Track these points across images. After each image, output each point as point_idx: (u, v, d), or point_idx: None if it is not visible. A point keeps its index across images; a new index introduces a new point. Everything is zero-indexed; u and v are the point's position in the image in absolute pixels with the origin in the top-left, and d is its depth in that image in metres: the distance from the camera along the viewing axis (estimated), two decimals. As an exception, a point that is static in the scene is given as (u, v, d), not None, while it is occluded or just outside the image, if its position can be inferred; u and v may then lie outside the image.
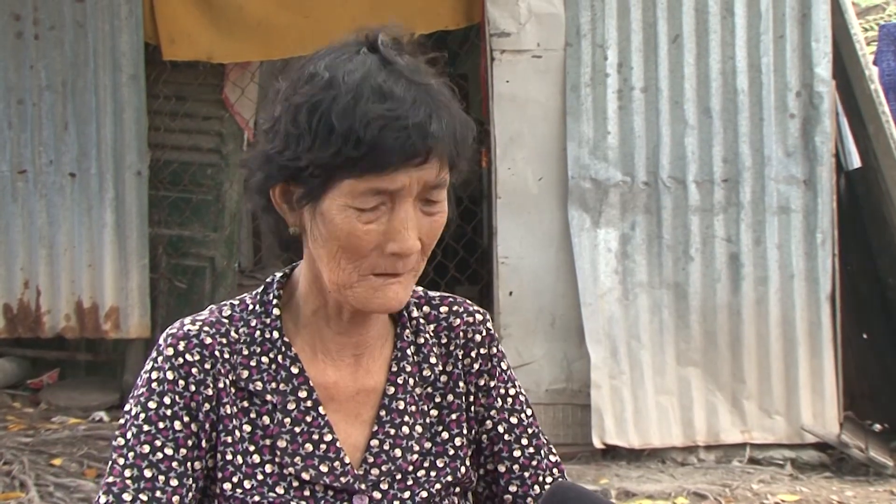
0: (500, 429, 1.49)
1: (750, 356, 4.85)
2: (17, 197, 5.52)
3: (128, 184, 5.49)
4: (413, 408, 1.45)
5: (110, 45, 5.47)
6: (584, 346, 4.87)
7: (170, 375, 1.38)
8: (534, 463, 1.50)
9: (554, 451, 1.55)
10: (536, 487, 1.50)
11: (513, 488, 1.50)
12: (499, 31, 5.02)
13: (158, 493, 1.35)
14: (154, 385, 1.38)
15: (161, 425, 1.37)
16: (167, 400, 1.37)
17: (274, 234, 1.42)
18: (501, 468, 1.49)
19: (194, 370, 1.38)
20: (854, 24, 5.01)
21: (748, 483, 4.52)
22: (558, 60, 4.99)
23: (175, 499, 1.35)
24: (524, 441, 1.50)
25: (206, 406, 1.38)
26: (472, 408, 1.50)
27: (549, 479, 1.50)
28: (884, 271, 5.19)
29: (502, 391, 1.50)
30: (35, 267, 5.52)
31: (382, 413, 1.44)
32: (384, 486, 1.41)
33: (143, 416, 1.38)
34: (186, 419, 1.37)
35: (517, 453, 1.49)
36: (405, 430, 1.44)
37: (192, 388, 1.38)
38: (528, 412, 1.53)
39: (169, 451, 1.36)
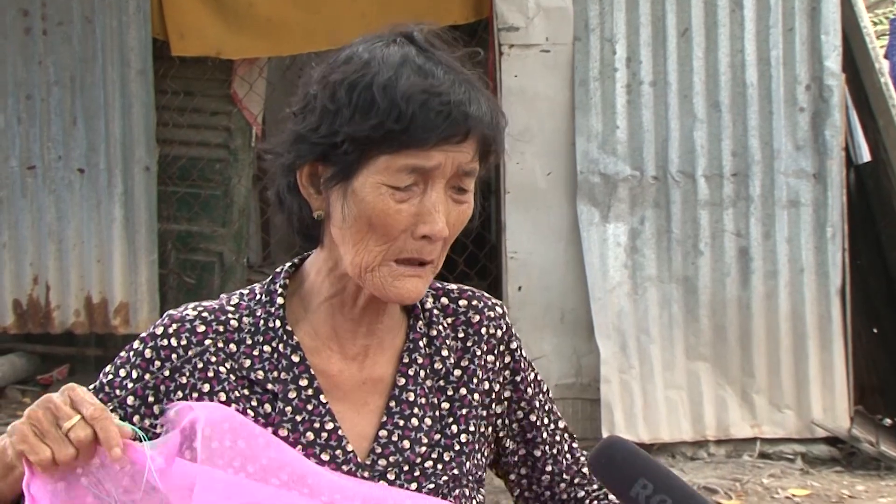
0: (533, 417, 1.53)
1: (760, 350, 4.84)
2: (27, 192, 5.53)
3: (136, 179, 5.49)
4: (423, 400, 1.45)
5: (118, 40, 5.47)
6: (593, 340, 4.87)
7: (148, 353, 1.38)
8: (556, 438, 1.55)
9: (560, 414, 1.59)
10: (568, 457, 1.56)
11: (549, 468, 1.54)
12: (507, 25, 5.01)
13: None
14: (132, 355, 1.40)
15: (118, 392, 1.37)
16: (135, 374, 1.38)
17: (295, 218, 1.40)
18: (537, 452, 1.53)
19: (174, 356, 1.38)
20: (864, 18, 5.00)
21: (758, 477, 4.52)
22: (567, 55, 4.98)
23: None
24: (546, 420, 1.55)
25: (179, 394, 1.37)
26: (494, 405, 1.50)
27: (565, 447, 1.56)
28: (893, 265, 5.18)
29: (529, 378, 1.54)
30: (44, 262, 5.53)
31: (392, 404, 1.43)
32: (391, 477, 1.40)
33: (110, 377, 1.39)
34: (151, 399, 1.37)
35: (546, 435, 1.54)
36: (414, 421, 1.43)
37: (167, 372, 1.38)
38: (545, 388, 1.57)
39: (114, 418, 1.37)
